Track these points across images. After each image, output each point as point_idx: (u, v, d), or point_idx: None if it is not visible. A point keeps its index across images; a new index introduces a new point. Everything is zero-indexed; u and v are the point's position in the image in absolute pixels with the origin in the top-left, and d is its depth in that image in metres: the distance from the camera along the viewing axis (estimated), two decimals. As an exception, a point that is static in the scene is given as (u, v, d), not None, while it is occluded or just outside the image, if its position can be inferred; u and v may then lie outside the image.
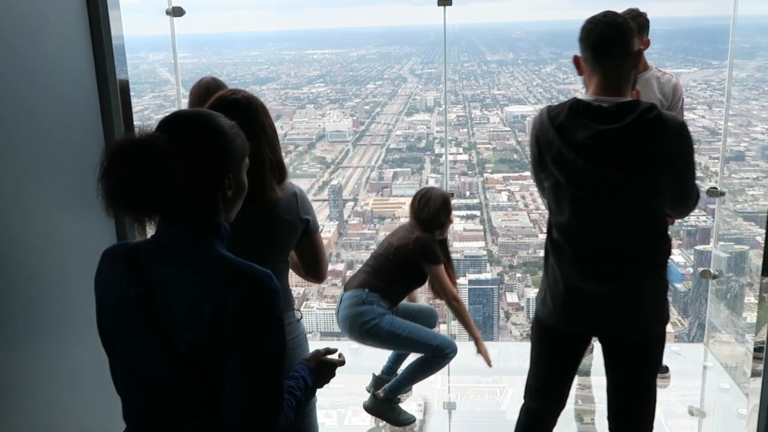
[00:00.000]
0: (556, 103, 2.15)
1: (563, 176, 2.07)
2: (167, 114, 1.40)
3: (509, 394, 3.79)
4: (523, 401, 2.46)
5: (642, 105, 2.01)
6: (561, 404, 2.41)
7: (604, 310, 2.15)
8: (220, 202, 1.41)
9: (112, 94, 2.10)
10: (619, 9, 3.36)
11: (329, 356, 1.65)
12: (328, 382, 1.64)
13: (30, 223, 1.86)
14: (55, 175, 1.97)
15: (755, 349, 2.80)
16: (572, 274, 2.14)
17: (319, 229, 2.14)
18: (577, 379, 2.89)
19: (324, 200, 11.35)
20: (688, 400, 3.69)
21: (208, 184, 1.38)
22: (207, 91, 3.16)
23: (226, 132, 1.40)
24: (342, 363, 1.67)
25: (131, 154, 1.28)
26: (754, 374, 2.81)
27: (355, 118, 13.18)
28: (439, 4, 3.65)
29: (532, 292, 10.81)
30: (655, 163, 2.00)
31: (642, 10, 3.35)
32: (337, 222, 11.15)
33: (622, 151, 1.99)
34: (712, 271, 4.13)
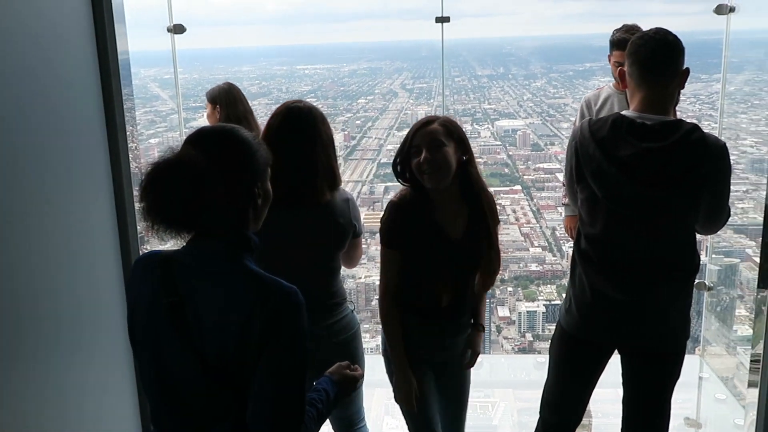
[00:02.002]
0: (597, 118, 2.15)
1: (601, 190, 2.05)
2: (193, 131, 1.44)
3: (500, 408, 3.76)
4: (539, 415, 2.44)
5: (685, 125, 1.99)
6: (579, 418, 2.38)
7: (632, 320, 2.13)
8: (250, 213, 1.44)
9: (117, 110, 2.10)
10: (612, 25, 3.43)
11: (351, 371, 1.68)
12: (349, 395, 1.68)
13: (35, 233, 1.86)
14: (59, 188, 1.98)
15: (752, 360, 2.82)
16: (601, 284, 2.13)
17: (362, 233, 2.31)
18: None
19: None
20: (684, 411, 3.70)
21: (242, 196, 1.41)
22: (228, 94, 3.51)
23: (251, 143, 1.44)
24: (362, 377, 1.72)
25: (171, 175, 1.31)
26: (751, 385, 2.84)
27: (346, 132, 13.17)
28: (437, 22, 3.68)
29: (524, 306, 10.80)
30: (695, 184, 1.99)
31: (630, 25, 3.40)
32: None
33: (664, 170, 1.97)
34: (706, 283, 4.16)
